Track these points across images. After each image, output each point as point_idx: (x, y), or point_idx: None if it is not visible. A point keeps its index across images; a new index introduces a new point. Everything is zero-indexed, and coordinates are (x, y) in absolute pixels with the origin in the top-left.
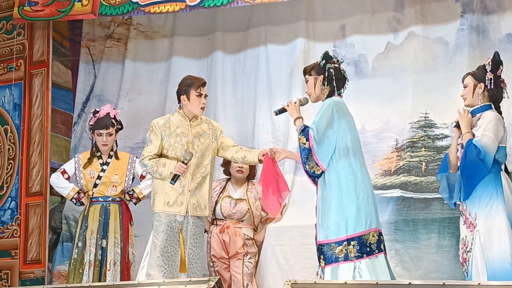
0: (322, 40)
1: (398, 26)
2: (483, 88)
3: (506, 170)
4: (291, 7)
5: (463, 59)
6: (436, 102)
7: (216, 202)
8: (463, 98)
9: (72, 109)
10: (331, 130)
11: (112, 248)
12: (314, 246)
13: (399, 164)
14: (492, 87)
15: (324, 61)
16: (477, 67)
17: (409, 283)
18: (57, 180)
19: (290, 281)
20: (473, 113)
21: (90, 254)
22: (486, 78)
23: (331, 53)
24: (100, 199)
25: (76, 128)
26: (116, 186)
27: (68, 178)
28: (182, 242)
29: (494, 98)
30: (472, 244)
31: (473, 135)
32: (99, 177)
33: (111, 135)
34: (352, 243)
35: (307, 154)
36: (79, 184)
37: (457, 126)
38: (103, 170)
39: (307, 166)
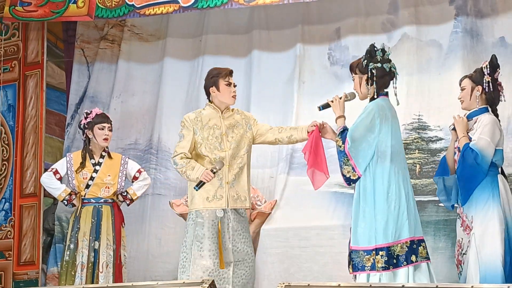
0: (317, 43)
1: (392, 28)
2: (480, 91)
3: (502, 173)
4: (287, 10)
5: (457, 61)
6: (430, 104)
7: None
8: (460, 101)
9: (66, 111)
10: (371, 135)
11: (104, 250)
12: (310, 248)
13: None
14: (490, 90)
15: (366, 61)
16: (474, 70)
17: (402, 286)
18: (48, 180)
19: (283, 283)
20: (470, 117)
21: (82, 256)
22: (484, 81)
23: (377, 45)
24: (92, 200)
25: (69, 129)
26: (108, 188)
27: (60, 179)
28: (220, 238)
29: (491, 101)
30: (468, 246)
31: (470, 139)
32: (91, 178)
33: (111, 130)
34: (380, 253)
35: (343, 158)
36: (71, 185)
37: (455, 129)
38: (95, 171)
39: (343, 170)
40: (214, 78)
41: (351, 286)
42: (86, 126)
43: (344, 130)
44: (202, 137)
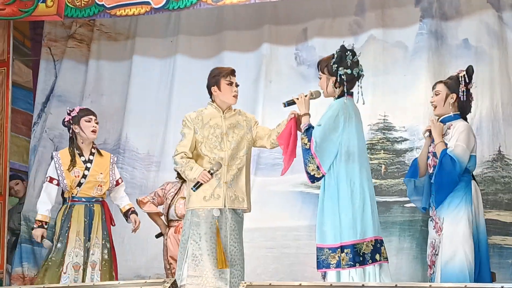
0: (284, 43)
1: (358, 29)
2: (454, 99)
3: (473, 178)
4: (254, 11)
5: (422, 63)
6: (395, 105)
7: (170, 205)
8: (433, 105)
9: (33, 109)
10: (335, 133)
11: (96, 249)
12: (276, 249)
13: None
14: (464, 99)
15: (336, 65)
16: (440, 72)
17: (362, 285)
18: (42, 196)
19: (245, 282)
20: (444, 122)
21: (77, 256)
22: (460, 90)
23: (347, 46)
24: (83, 199)
25: (36, 128)
26: (101, 186)
27: (58, 184)
28: (218, 238)
29: (463, 109)
30: (439, 247)
31: (445, 144)
32: (84, 176)
33: (97, 123)
34: (345, 250)
35: (308, 156)
36: (62, 185)
37: (430, 134)
38: (87, 169)
39: (308, 168)
40: (216, 77)
41: (312, 285)
42: (71, 121)
43: (309, 128)
44: (202, 136)
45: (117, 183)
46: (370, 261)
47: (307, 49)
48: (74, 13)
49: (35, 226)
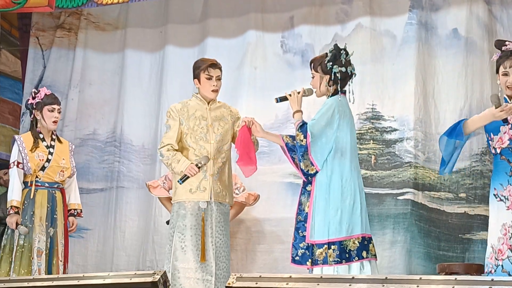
0: (270, 31)
1: (345, 18)
2: None
3: None
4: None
5: (411, 52)
6: (383, 94)
7: None
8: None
9: (21, 99)
10: (330, 130)
11: (61, 238)
12: (266, 244)
13: None
14: None
15: (331, 63)
16: (428, 63)
17: (352, 277)
18: (12, 179)
19: (235, 274)
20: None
21: (39, 241)
22: None
23: (340, 45)
24: (46, 184)
25: (25, 118)
26: (63, 171)
27: (23, 168)
28: (203, 231)
29: None
30: None
31: None
32: (48, 160)
33: (60, 112)
34: (332, 247)
35: (303, 152)
36: (25, 168)
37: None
38: (50, 153)
39: (302, 164)
40: (196, 71)
41: (303, 277)
42: (35, 107)
43: (304, 124)
44: (188, 127)
45: (74, 172)
46: (356, 258)
47: (294, 36)
48: (64, 4)
49: (11, 212)
